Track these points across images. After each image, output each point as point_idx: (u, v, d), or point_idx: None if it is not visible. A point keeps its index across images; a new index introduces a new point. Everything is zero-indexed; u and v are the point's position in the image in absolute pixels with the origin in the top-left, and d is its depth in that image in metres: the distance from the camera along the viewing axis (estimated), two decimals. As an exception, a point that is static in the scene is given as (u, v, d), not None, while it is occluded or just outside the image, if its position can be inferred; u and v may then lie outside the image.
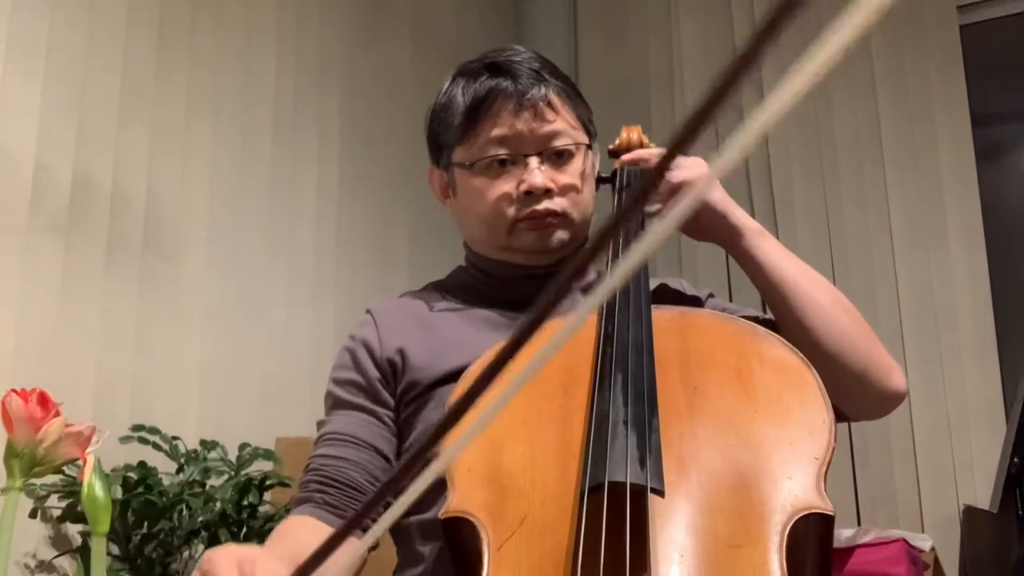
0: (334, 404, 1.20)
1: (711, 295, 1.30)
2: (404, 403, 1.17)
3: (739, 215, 1.16)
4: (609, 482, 0.82)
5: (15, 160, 2.01)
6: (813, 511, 0.83)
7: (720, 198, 1.16)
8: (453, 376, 1.13)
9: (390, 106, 3.10)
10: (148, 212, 2.28)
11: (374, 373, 1.18)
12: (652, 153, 1.25)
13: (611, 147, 1.32)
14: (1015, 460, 2.30)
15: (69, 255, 2.08)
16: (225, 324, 2.44)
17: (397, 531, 1.17)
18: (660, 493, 0.83)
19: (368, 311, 1.25)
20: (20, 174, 2.02)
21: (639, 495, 0.82)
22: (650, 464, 0.84)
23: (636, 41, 3.72)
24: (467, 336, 1.18)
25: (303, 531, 1.07)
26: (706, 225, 1.17)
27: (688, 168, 1.15)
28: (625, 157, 1.28)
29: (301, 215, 2.73)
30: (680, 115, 3.50)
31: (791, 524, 0.81)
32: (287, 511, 1.98)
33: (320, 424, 1.20)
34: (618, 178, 1.27)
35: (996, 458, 2.50)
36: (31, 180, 2.03)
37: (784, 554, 0.79)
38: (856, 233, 3.16)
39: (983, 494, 2.70)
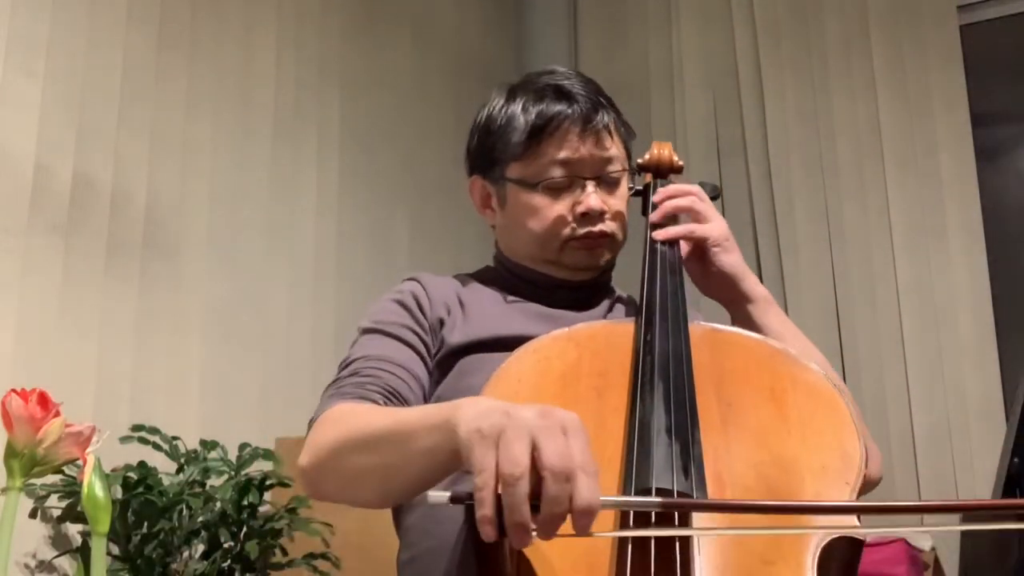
0: (383, 335, 1.18)
1: None
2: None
3: (750, 282, 1.23)
4: (656, 488, 0.83)
5: (15, 160, 2.01)
6: (844, 534, 0.84)
7: (735, 261, 1.22)
8: (479, 346, 1.15)
9: (390, 106, 3.10)
10: (148, 212, 2.28)
11: (424, 324, 1.20)
12: (686, 190, 1.28)
13: (640, 161, 1.37)
14: (1015, 460, 2.30)
15: (69, 255, 2.08)
16: (225, 324, 2.44)
17: (400, 507, 1.17)
18: None
19: (414, 278, 1.28)
20: (20, 174, 2.02)
21: None
22: (694, 474, 0.85)
23: (636, 42, 3.72)
24: (498, 313, 1.22)
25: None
26: (717, 285, 1.23)
27: (710, 225, 1.23)
28: (664, 204, 1.29)
29: (301, 215, 2.73)
30: (680, 116, 3.50)
31: (823, 545, 0.82)
32: (287, 511, 1.99)
33: (365, 349, 1.17)
34: (649, 193, 1.32)
35: (996, 458, 2.49)
36: (31, 180, 2.03)
37: (815, 574, 0.80)
38: (856, 233, 3.15)
39: (983, 494, 2.70)
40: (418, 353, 1.17)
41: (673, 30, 3.61)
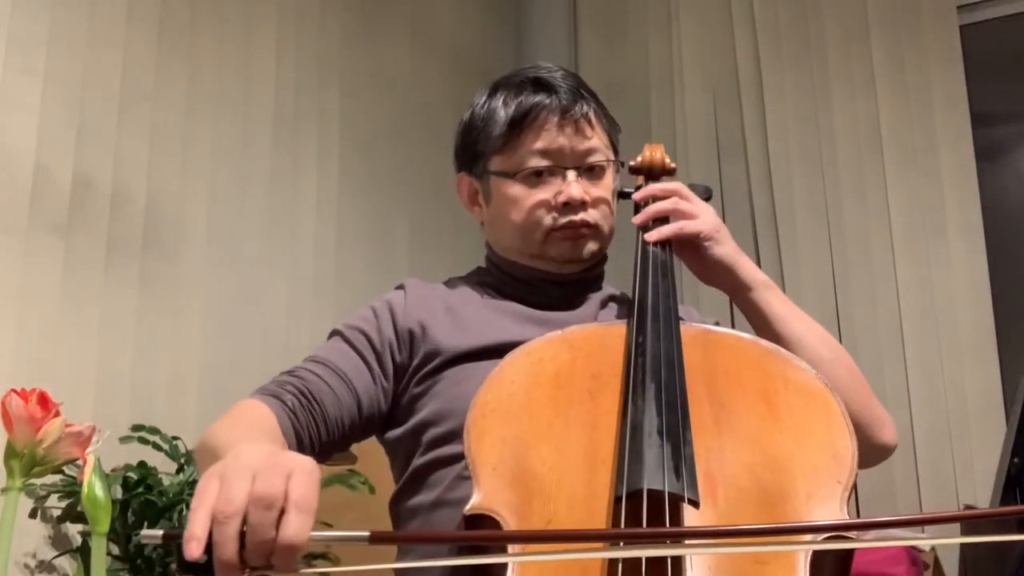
0: (340, 339, 1.21)
1: (717, 323, 1.31)
2: (419, 378, 1.18)
3: (747, 269, 1.22)
4: (646, 490, 0.83)
5: (15, 160, 2.01)
6: (835, 536, 0.83)
7: (728, 252, 1.22)
8: (469, 355, 1.16)
9: (390, 106, 3.10)
10: (148, 212, 2.28)
11: (389, 335, 1.20)
12: (667, 189, 1.28)
13: (632, 164, 1.37)
14: (1015, 460, 2.30)
15: (69, 255, 2.08)
16: (225, 324, 2.44)
17: (402, 511, 1.17)
18: (695, 504, 0.84)
19: (400, 285, 1.29)
20: (20, 174, 2.02)
21: (673, 505, 0.83)
22: (685, 475, 0.85)
23: (636, 41, 3.72)
24: (489, 319, 1.22)
25: (263, 423, 1.06)
26: (715, 277, 1.24)
27: (697, 221, 1.22)
28: (646, 203, 1.29)
29: (301, 215, 2.73)
30: (680, 116, 3.50)
31: (813, 549, 0.82)
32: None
33: (316, 351, 1.21)
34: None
35: (996, 458, 2.49)
36: (31, 180, 2.03)
37: (808, 573, 0.80)
38: (856, 233, 3.15)
39: (983, 494, 2.70)
40: (366, 362, 1.18)
41: (673, 30, 3.61)
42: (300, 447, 1.09)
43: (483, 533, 0.86)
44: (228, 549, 0.72)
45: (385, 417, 1.20)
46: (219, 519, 0.72)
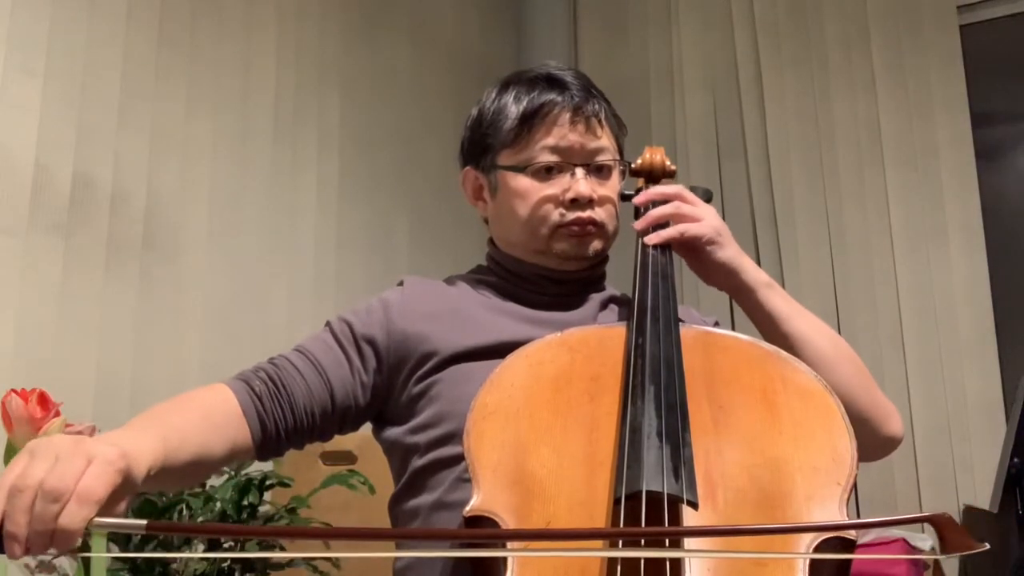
0: (327, 330, 1.23)
1: (717, 323, 1.32)
2: (416, 378, 1.18)
3: (750, 272, 1.22)
4: (645, 491, 0.83)
5: (15, 160, 2.01)
6: (835, 535, 0.84)
7: (730, 255, 1.22)
8: (469, 355, 1.15)
9: (390, 106, 3.10)
10: (148, 212, 2.28)
11: (375, 332, 1.20)
12: (667, 193, 1.29)
13: (633, 166, 1.36)
14: (1015, 460, 2.30)
15: (69, 255, 2.08)
16: (225, 324, 2.44)
17: (402, 512, 1.17)
18: (694, 505, 0.84)
19: (401, 282, 1.29)
20: (20, 174, 2.02)
21: (672, 506, 0.83)
22: (684, 476, 0.85)
23: (636, 41, 3.73)
24: (488, 319, 1.22)
25: (209, 406, 1.11)
26: (717, 279, 1.23)
27: (700, 224, 1.22)
28: (648, 206, 1.30)
29: (301, 215, 2.73)
30: (680, 116, 3.50)
31: (813, 546, 0.82)
32: (287, 511, 1.99)
33: (302, 339, 1.23)
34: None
35: (996, 458, 2.50)
36: (31, 180, 2.03)
37: (807, 573, 0.80)
38: (856, 233, 3.16)
39: (983, 494, 2.70)
40: (346, 354, 1.18)
41: (673, 30, 3.61)
42: (264, 432, 1.11)
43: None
44: (15, 522, 0.77)
45: (365, 411, 1.20)
46: (11, 493, 0.77)
